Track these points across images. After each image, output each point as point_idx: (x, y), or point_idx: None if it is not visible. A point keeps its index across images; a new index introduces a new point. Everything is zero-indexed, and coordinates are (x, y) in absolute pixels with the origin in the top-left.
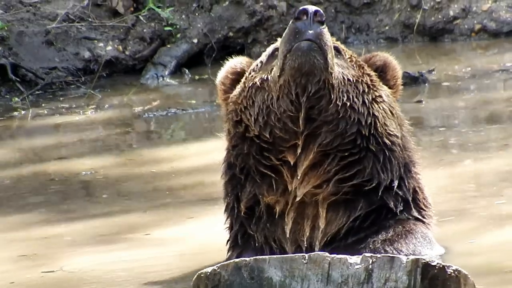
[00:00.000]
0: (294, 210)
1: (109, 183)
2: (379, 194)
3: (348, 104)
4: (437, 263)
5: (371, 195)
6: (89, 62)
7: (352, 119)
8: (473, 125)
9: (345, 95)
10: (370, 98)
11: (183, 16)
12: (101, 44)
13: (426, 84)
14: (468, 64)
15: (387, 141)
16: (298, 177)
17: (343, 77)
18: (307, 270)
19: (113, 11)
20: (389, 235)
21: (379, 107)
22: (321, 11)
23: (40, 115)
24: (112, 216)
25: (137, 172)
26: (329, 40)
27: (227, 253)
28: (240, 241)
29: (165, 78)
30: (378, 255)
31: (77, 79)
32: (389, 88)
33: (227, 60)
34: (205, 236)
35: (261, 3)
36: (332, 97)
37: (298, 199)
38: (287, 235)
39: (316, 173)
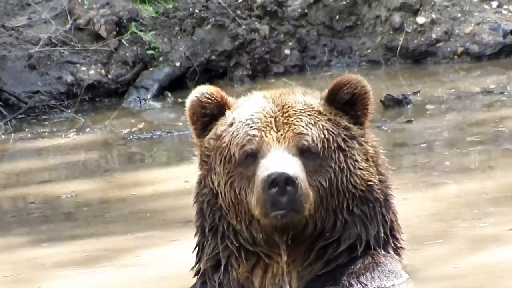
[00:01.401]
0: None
1: (91, 206)
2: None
3: (327, 217)
4: None
5: (353, 248)
6: (72, 86)
7: (333, 222)
8: (457, 146)
9: (322, 213)
10: (348, 174)
11: (166, 40)
12: (83, 68)
13: (410, 106)
14: (452, 86)
15: (369, 196)
16: (285, 272)
17: (319, 182)
18: None
19: (96, 35)
20: (357, 267)
21: (356, 171)
22: (291, 175)
23: (23, 138)
24: (94, 238)
25: (119, 195)
26: (305, 187)
27: (194, 276)
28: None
29: (147, 101)
30: None
31: (59, 103)
32: (359, 118)
33: (208, 84)
34: (189, 258)
35: (244, 27)
36: (310, 225)
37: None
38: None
39: (302, 258)
